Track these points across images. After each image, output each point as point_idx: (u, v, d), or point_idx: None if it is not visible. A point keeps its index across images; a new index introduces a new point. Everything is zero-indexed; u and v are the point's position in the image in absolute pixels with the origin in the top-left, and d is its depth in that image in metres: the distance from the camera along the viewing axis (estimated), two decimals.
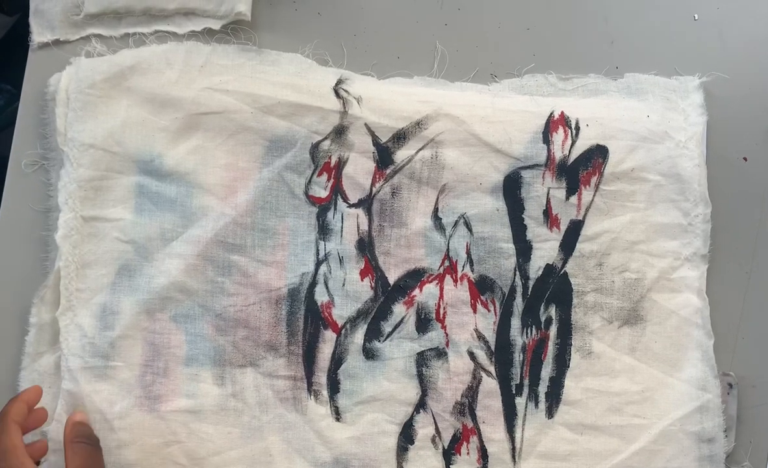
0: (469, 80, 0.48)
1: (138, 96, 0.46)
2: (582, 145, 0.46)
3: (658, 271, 0.46)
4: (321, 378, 0.45)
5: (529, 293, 0.46)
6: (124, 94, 0.46)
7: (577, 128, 0.47)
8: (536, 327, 0.46)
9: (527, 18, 0.49)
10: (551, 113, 0.47)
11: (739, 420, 0.45)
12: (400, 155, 0.46)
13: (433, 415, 0.45)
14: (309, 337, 0.45)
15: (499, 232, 0.46)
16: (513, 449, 0.45)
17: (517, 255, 0.46)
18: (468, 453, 0.45)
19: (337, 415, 0.45)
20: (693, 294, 0.46)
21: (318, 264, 0.46)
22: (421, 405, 0.45)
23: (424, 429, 0.45)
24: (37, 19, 0.48)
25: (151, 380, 0.44)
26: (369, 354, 0.46)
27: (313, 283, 0.46)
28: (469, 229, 0.46)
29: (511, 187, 0.47)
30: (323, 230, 0.46)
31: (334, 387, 0.45)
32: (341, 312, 0.46)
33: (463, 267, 0.46)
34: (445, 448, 0.45)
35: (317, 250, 0.46)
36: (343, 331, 0.46)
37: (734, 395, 0.45)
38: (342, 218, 0.46)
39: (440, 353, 0.46)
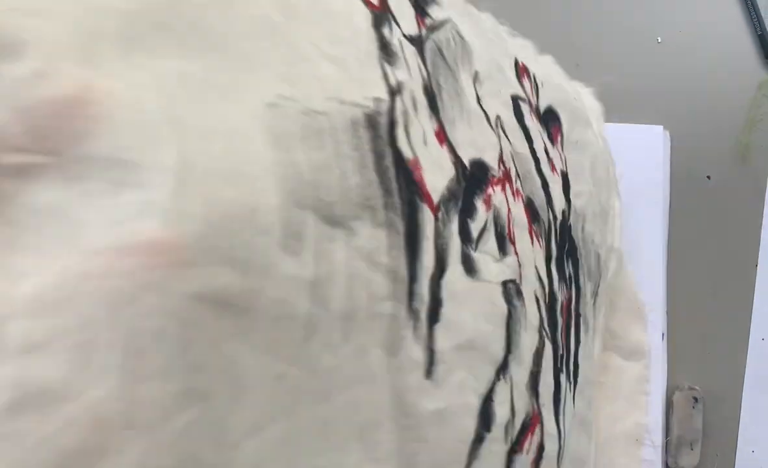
0: None
1: None
2: (542, 104, 0.39)
3: (607, 246, 0.42)
4: (423, 286, 0.24)
5: (558, 238, 0.35)
6: None
7: (537, 84, 0.40)
8: (565, 283, 0.35)
9: None
10: (515, 58, 0.38)
11: (705, 434, 0.44)
12: (434, 13, 0.32)
13: (512, 386, 0.28)
14: (408, 208, 0.24)
15: (527, 155, 0.35)
16: (560, 449, 0.31)
17: (543, 188, 0.36)
18: (528, 451, 0.29)
19: (431, 364, 0.24)
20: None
21: (393, 94, 0.26)
22: (503, 367, 0.27)
23: (501, 408, 0.27)
24: None
25: None
26: (468, 265, 0.27)
27: (393, 122, 0.25)
28: (508, 138, 0.33)
29: (518, 111, 0.36)
30: (385, 47, 0.27)
31: (434, 309, 0.24)
32: (433, 180, 0.26)
33: (515, 180, 0.33)
34: (513, 441, 0.28)
35: (384, 72, 0.26)
36: (440, 213, 0.26)
37: (699, 409, 0.45)
38: (402, 46, 0.28)
39: (518, 291, 0.30)
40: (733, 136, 0.50)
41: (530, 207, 0.33)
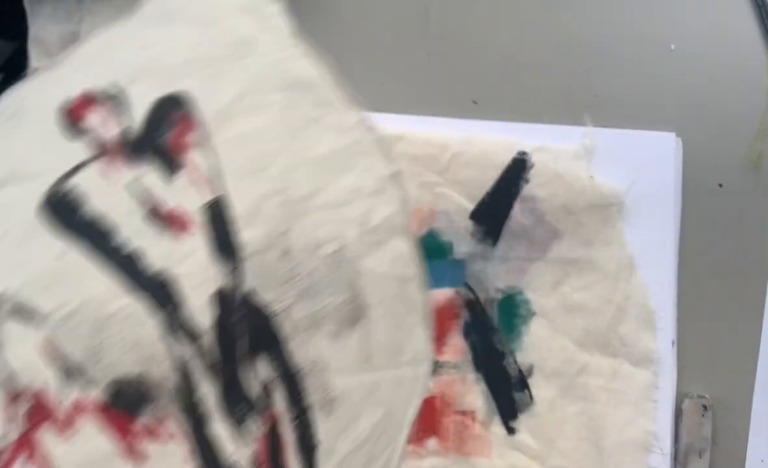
0: None
1: None
2: (138, 107, 0.28)
3: (357, 225, 0.30)
4: None
5: (220, 359, 0.25)
6: None
7: (117, 94, 0.29)
8: (256, 413, 0.25)
9: None
10: (67, 98, 0.28)
11: (714, 442, 0.44)
12: None
13: None
14: None
15: (91, 289, 0.24)
16: None
17: (156, 314, 0.25)
18: None
19: None
20: (399, 237, 0.31)
21: None
22: None
23: None
24: (35, 47, 0.50)
25: None
26: None
27: None
28: (24, 315, 0.23)
29: (64, 213, 0.25)
30: None
31: None
32: None
33: (65, 390, 0.23)
34: None
35: None
36: None
37: (709, 417, 0.45)
38: None
39: None
40: (745, 144, 0.49)
41: (120, 398, 0.22)
